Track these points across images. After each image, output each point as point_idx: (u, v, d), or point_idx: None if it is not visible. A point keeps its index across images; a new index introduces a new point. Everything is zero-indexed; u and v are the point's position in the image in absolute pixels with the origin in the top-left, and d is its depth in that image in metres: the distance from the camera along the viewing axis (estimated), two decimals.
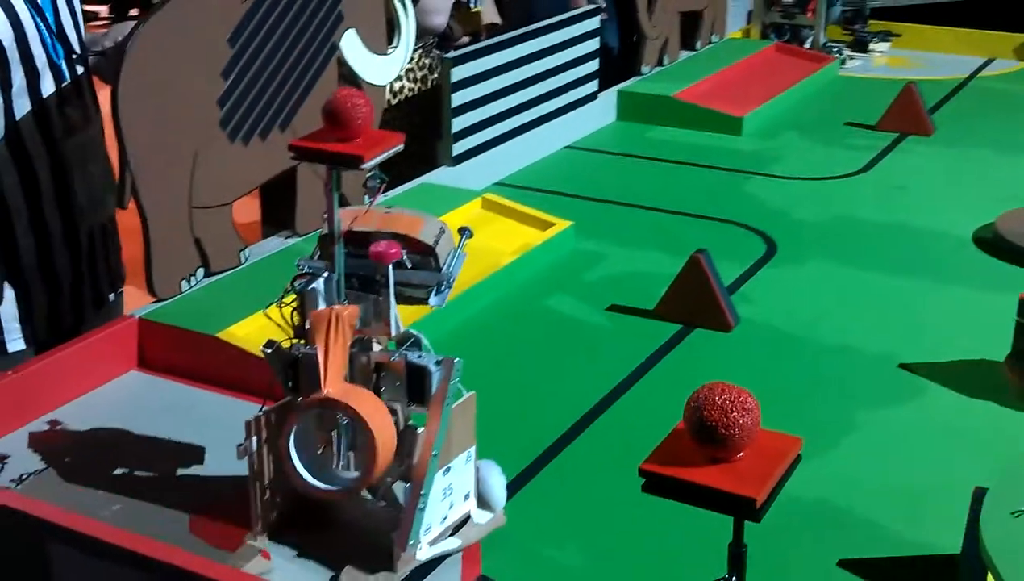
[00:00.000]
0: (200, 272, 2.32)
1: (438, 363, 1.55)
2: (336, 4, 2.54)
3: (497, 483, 1.67)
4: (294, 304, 1.61)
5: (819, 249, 2.71)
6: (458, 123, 3.00)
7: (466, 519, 1.65)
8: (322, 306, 1.59)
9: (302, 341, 1.62)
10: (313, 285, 1.58)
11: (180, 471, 1.87)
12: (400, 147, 1.60)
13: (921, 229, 2.83)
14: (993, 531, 1.25)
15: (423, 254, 1.63)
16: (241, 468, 1.83)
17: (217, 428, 1.99)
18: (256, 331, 2.17)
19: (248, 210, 2.55)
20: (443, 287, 1.64)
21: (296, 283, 1.59)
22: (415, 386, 1.57)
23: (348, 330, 1.55)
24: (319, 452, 1.63)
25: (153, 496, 1.78)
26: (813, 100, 3.90)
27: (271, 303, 1.60)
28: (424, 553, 1.56)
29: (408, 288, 1.64)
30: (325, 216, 1.62)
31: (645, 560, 1.65)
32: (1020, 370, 2.06)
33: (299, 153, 1.62)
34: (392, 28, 2.76)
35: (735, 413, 1.17)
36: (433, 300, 1.65)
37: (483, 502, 1.68)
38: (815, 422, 1.97)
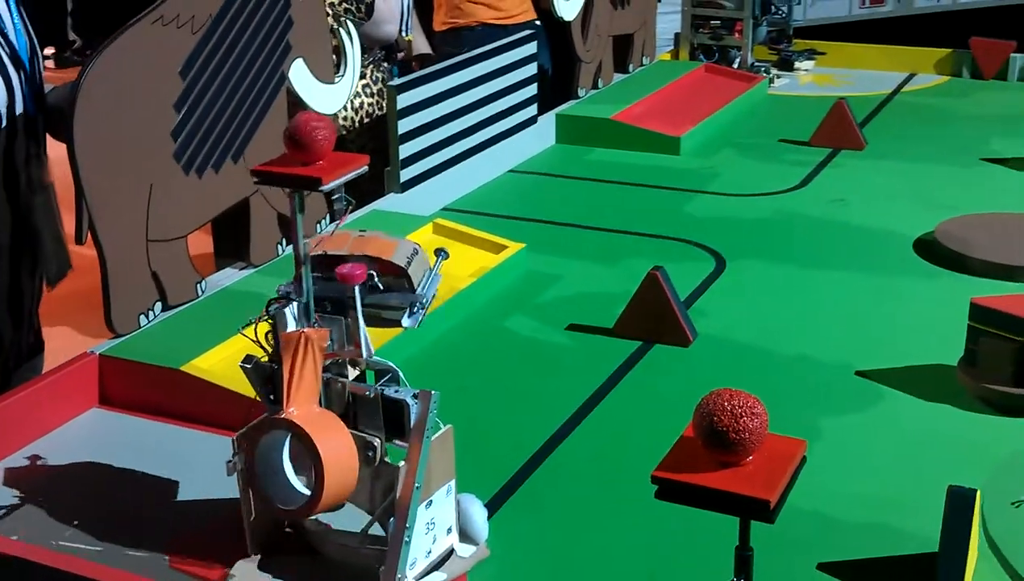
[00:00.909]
0: (158, 306, 2.31)
1: (415, 396, 1.57)
2: (284, 35, 2.54)
3: (478, 516, 1.68)
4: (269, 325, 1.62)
5: (767, 262, 2.77)
6: (405, 150, 3.01)
7: (450, 553, 1.66)
8: (293, 328, 1.60)
9: (275, 364, 1.62)
10: (285, 308, 1.59)
11: (155, 506, 1.85)
12: (364, 169, 1.61)
13: (863, 240, 2.90)
14: (996, 521, 1.29)
15: (396, 276, 1.64)
16: (216, 500, 1.83)
17: (187, 462, 1.98)
18: (219, 363, 2.16)
19: (199, 242, 2.54)
20: (416, 308, 1.66)
21: (270, 307, 1.60)
22: (393, 420, 1.59)
23: (318, 352, 1.56)
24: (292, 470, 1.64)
25: (132, 532, 1.77)
26: (746, 118, 3.98)
27: (248, 323, 1.61)
28: None
29: (382, 310, 1.65)
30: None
31: (626, 575, 1.67)
32: (974, 373, 2.11)
33: (261, 177, 1.63)
34: (338, 57, 2.77)
35: (745, 418, 1.19)
36: (406, 321, 1.67)
37: (465, 535, 1.69)
38: (781, 431, 1.99)
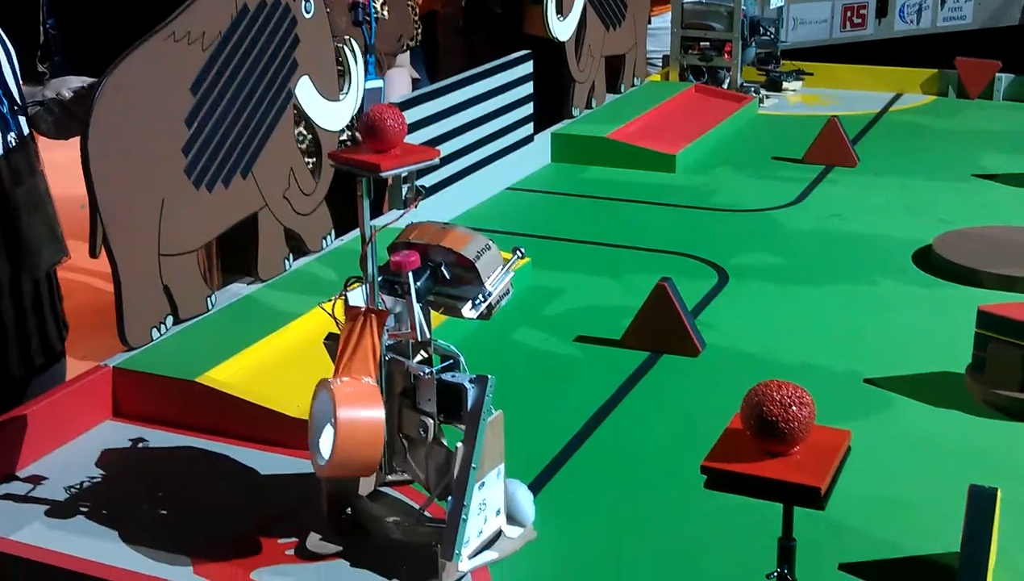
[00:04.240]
0: (169, 319, 2.31)
1: (472, 381, 1.61)
2: (291, 52, 2.56)
3: (525, 499, 1.72)
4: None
5: (769, 275, 2.80)
6: None
7: (498, 534, 1.69)
8: (361, 306, 1.67)
9: None
10: (357, 288, 1.66)
11: (173, 513, 1.86)
12: (436, 161, 1.69)
13: (862, 253, 2.94)
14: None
15: (465, 268, 1.69)
16: (234, 508, 1.85)
17: (203, 472, 2.00)
18: (233, 375, 2.17)
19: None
20: (478, 301, 1.70)
21: (348, 284, 1.69)
22: (449, 403, 1.65)
23: (377, 329, 1.62)
24: None
25: (154, 540, 1.78)
26: (738, 137, 4.02)
27: (328, 299, 1.70)
28: (465, 565, 1.60)
29: (453, 299, 1.72)
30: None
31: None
32: (982, 379, 2.14)
33: (335, 160, 1.76)
34: (342, 76, 2.79)
35: (794, 408, 1.22)
36: (467, 311, 1.72)
37: (512, 518, 1.72)
38: None
